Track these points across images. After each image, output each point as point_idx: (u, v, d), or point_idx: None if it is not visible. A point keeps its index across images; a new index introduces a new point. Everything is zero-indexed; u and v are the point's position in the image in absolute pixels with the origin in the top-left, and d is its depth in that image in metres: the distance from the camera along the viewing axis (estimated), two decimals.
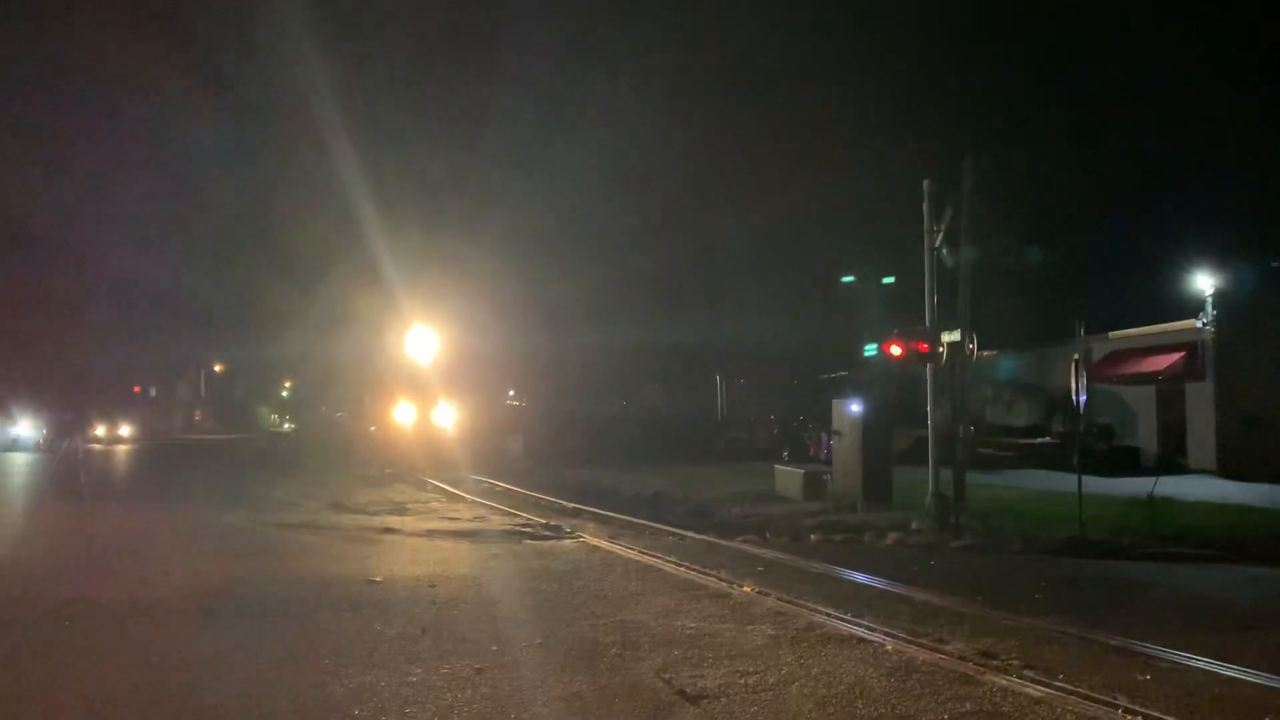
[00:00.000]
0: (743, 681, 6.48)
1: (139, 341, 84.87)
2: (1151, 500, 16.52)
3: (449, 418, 32.94)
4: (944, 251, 16.11)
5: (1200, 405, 25.71)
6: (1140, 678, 6.63)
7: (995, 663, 6.98)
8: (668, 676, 6.60)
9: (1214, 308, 25.57)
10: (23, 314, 67.92)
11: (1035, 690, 6.28)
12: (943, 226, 15.98)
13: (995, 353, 30.58)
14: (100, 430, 65.03)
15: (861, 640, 7.69)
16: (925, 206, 16.24)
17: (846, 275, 20.26)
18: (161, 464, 37.44)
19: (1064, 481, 17.86)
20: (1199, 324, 25.83)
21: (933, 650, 7.35)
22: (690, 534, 14.54)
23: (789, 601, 9.20)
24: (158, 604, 9.06)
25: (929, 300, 16.14)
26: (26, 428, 53.28)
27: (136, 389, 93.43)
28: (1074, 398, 14.69)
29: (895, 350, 15.66)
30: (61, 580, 10.29)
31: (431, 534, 14.83)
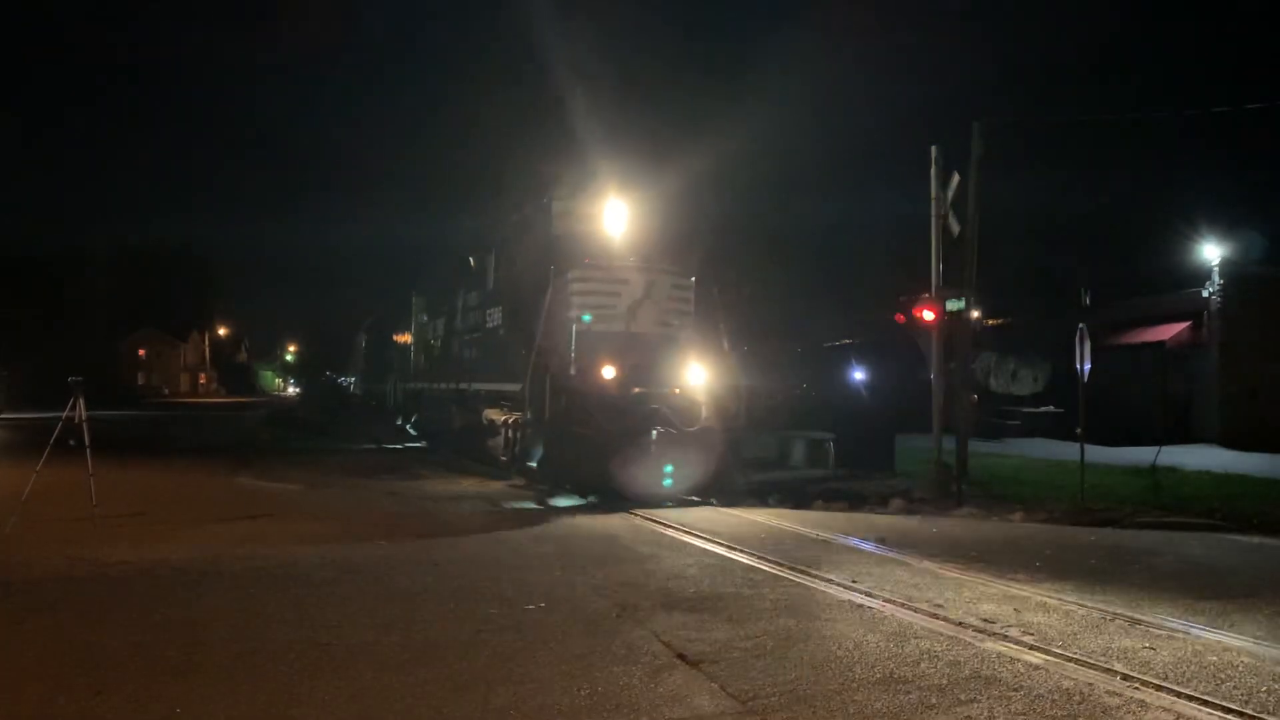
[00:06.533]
0: (741, 645, 6.51)
1: (143, 297, 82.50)
2: (1154, 469, 16.55)
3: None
4: (950, 218, 16.03)
5: (1204, 375, 25.68)
6: (1138, 645, 6.65)
7: (994, 628, 7.01)
8: (667, 639, 6.63)
9: (1220, 277, 25.46)
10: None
11: (1033, 656, 6.31)
12: (949, 193, 15.88)
13: (1000, 320, 30.51)
14: None
15: (860, 606, 7.72)
16: (932, 173, 16.13)
17: None
18: None
19: (1067, 450, 17.89)
20: (1204, 293, 25.74)
21: (931, 616, 7.38)
22: (691, 499, 14.58)
23: (789, 567, 9.24)
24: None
25: (934, 267, 16.09)
26: None
27: (142, 352, 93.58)
28: (1078, 366, 14.66)
29: (899, 317, 15.65)
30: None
31: (436, 498, 14.89)
